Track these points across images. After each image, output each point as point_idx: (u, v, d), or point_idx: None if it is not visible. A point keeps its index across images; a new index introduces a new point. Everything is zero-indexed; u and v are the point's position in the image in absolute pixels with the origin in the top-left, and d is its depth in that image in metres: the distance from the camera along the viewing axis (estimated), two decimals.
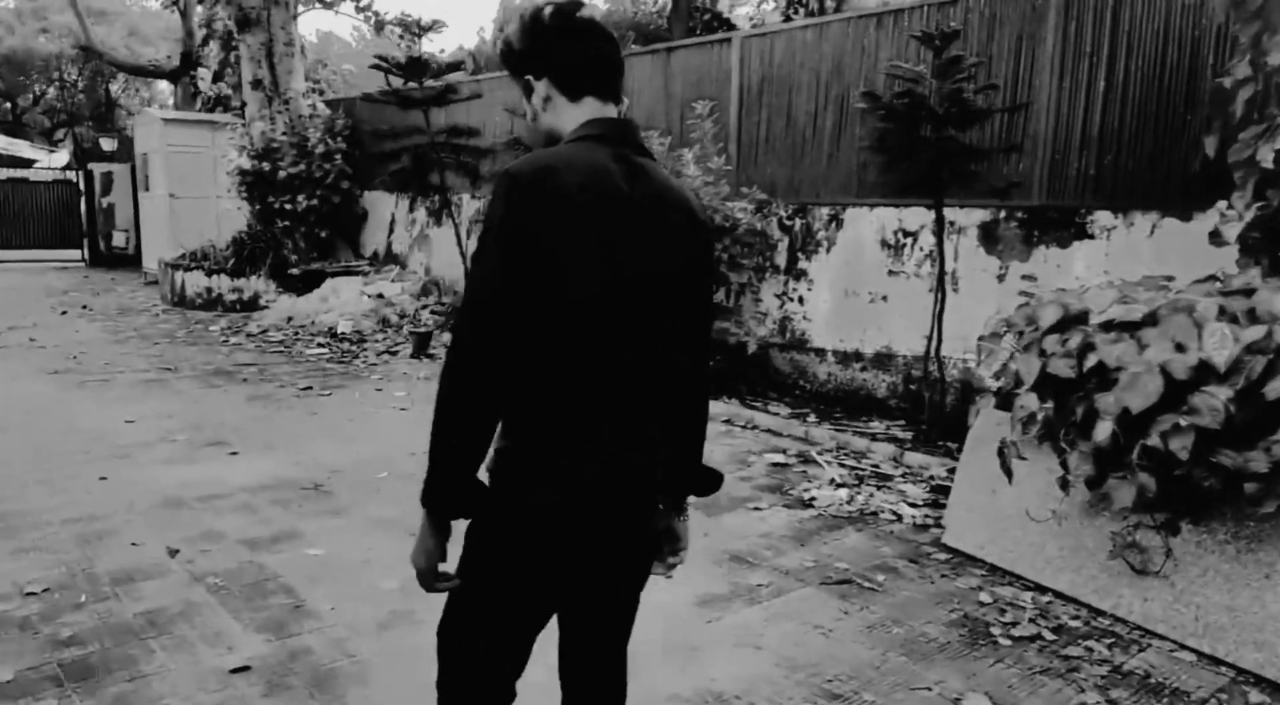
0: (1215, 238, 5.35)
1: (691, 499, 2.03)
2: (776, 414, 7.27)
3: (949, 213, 6.83)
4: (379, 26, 14.54)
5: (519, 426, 1.62)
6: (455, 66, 10.24)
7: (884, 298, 7.26)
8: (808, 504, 5.27)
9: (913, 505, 5.27)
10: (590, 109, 1.71)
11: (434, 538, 1.65)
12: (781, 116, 8.06)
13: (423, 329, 10.31)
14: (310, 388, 8.13)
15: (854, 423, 7.01)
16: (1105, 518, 4.06)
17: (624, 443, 1.67)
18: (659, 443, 1.76)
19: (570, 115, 1.71)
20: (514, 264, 1.51)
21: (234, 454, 6.04)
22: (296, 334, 11.08)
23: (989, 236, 6.56)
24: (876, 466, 6.04)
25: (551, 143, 1.73)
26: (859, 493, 5.46)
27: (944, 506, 5.24)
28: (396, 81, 10.77)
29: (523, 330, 1.54)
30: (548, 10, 1.70)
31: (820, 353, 7.73)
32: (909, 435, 6.59)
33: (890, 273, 7.21)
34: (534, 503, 1.62)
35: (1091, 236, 6.06)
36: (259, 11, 14.05)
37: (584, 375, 1.60)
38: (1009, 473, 4.22)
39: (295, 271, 13.37)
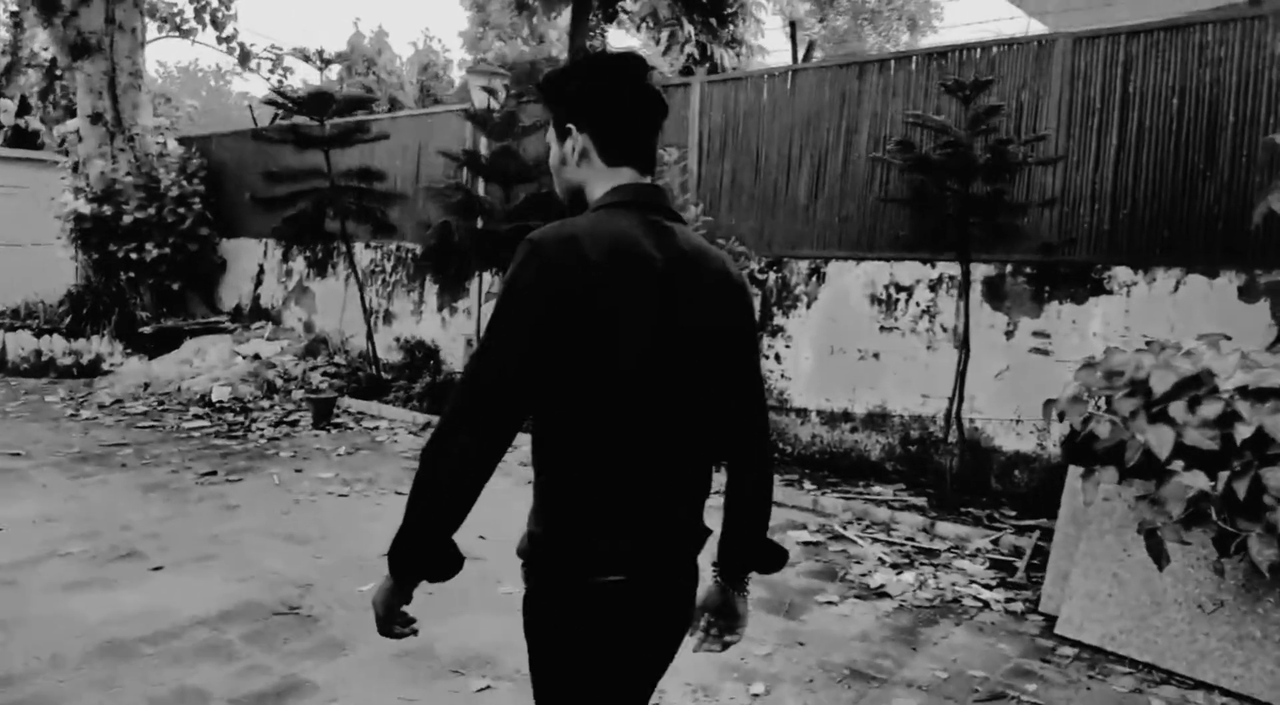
0: (1246, 294, 5.23)
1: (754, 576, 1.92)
2: None
3: (946, 267, 6.54)
4: (244, 58, 13.12)
5: (553, 509, 1.58)
6: (362, 102, 9.20)
7: (875, 355, 6.86)
8: (879, 593, 4.68)
9: (986, 587, 4.78)
10: (623, 177, 1.64)
11: (396, 597, 1.60)
12: (749, 166, 7.60)
13: (324, 395, 9.06)
14: (214, 473, 6.81)
15: (853, 488, 6.52)
16: (1270, 603, 3.68)
17: (665, 518, 1.63)
18: (698, 516, 1.73)
19: (602, 178, 1.65)
20: (538, 335, 1.45)
21: (157, 569, 4.79)
22: (161, 404, 9.51)
23: (994, 292, 6.29)
24: (911, 539, 5.55)
25: (574, 195, 1.70)
26: (918, 574, 4.93)
27: (1019, 586, 4.80)
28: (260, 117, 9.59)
29: (548, 407, 1.51)
30: (618, 65, 1.64)
31: (803, 413, 7.23)
32: (922, 501, 6.16)
33: (882, 329, 6.83)
34: (583, 587, 1.55)
35: (1110, 292, 5.88)
36: (100, 37, 12.39)
37: (620, 450, 1.54)
38: (1161, 558, 3.79)
39: (147, 330, 11.67)
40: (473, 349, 1.71)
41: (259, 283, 12.66)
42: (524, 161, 7.83)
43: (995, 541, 5.41)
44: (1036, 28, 16.51)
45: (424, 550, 1.52)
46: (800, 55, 7.06)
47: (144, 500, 6.05)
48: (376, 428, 8.70)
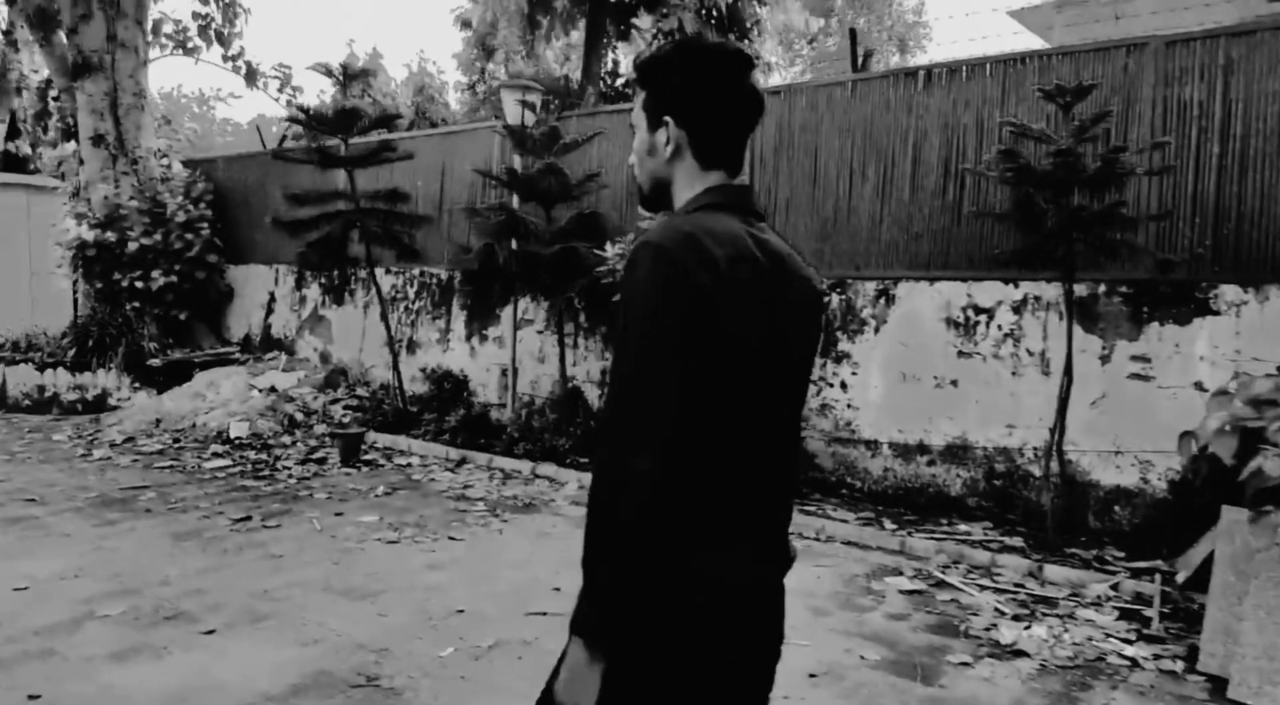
0: None
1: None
2: (844, 520, 6.24)
3: (1031, 287, 6.17)
4: (250, 77, 12.69)
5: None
6: (389, 120, 8.78)
7: (953, 382, 6.46)
8: (1014, 651, 4.24)
9: (1125, 641, 4.36)
10: (715, 179, 1.59)
11: (593, 666, 1.39)
12: (806, 181, 7.22)
13: (351, 431, 8.58)
14: (248, 518, 6.32)
15: (937, 527, 6.09)
16: None
17: (764, 535, 1.56)
18: (786, 531, 1.63)
19: (693, 178, 1.59)
20: (688, 336, 1.36)
21: (209, 633, 4.31)
22: (177, 441, 9.00)
23: (1087, 313, 5.91)
24: (1021, 586, 5.12)
25: (658, 188, 1.64)
26: (1049, 628, 4.49)
27: (1158, 640, 4.38)
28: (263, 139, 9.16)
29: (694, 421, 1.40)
30: (727, 59, 1.56)
31: (873, 445, 6.81)
32: (1018, 542, 5.74)
33: (960, 354, 6.43)
34: (683, 611, 1.43)
35: (1216, 313, 5.51)
36: (101, 56, 11.95)
37: (730, 466, 1.46)
38: None
39: (156, 362, 11.15)
40: (614, 369, 1.42)
41: (270, 311, 12.18)
42: (567, 179, 7.43)
43: (1114, 587, 4.99)
44: (1036, 42, 16.33)
45: (621, 603, 1.38)
46: (859, 63, 6.75)
47: (178, 550, 5.56)
48: (409, 464, 8.22)
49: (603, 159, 8.20)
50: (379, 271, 10.35)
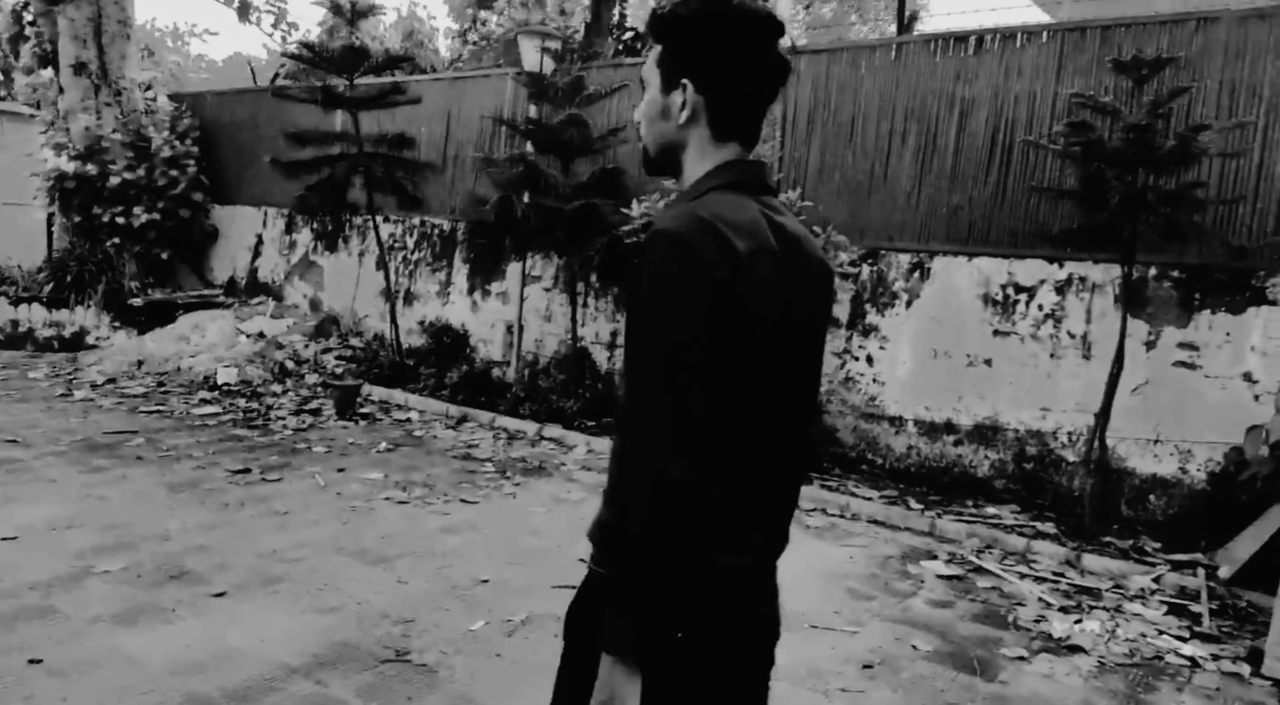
0: None
1: None
2: (867, 498, 6.05)
3: (1077, 268, 5.96)
4: (243, 10, 12.06)
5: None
6: (399, 61, 8.34)
7: (987, 361, 6.26)
8: (1069, 646, 4.06)
9: (1179, 639, 4.20)
10: (729, 152, 1.47)
11: (632, 680, 1.32)
12: (841, 147, 6.94)
13: (347, 383, 8.25)
14: (247, 470, 6.00)
15: (964, 508, 5.92)
16: None
17: (774, 522, 1.52)
18: (791, 516, 1.57)
19: (707, 150, 1.47)
20: (711, 332, 1.30)
21: (219, 595, 4.02)
22: (162, 385, 8.61)
23: (1135, 297, 5.71)
24: (1061, 575, 4.96)
25: (665, 152, 1.52)
26: (1102, 623, 4.33)
27: (1211, 638, 4.23)
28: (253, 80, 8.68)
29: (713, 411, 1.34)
30: (758, 23, 1.42)
31: (898, 422, 6.61)
32: (1050, 528, 5.58)
33: (996, 333, 6.23)
34: (706, 606, 1.38)
35: (1273, 303, 5.33)
36: None
37: (751, 462, 1.42)
38: None
39: (137, 302, 10.69)
40: (631, 366, 1.32)
41: (257, 254, 11.72)
42: (589, 132, 7.07)
43: (1156, 580, 4.85)
44: (1040, 16, 16.04)
45: (658, 615, 1.32)
46: (901, 26, 6.51)
47: (175, 502, 5.24)
48: (408, 420, 7.91)
49: (622, 113, 7.84)
50: (380, 219, 9.95)
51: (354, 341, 9.86)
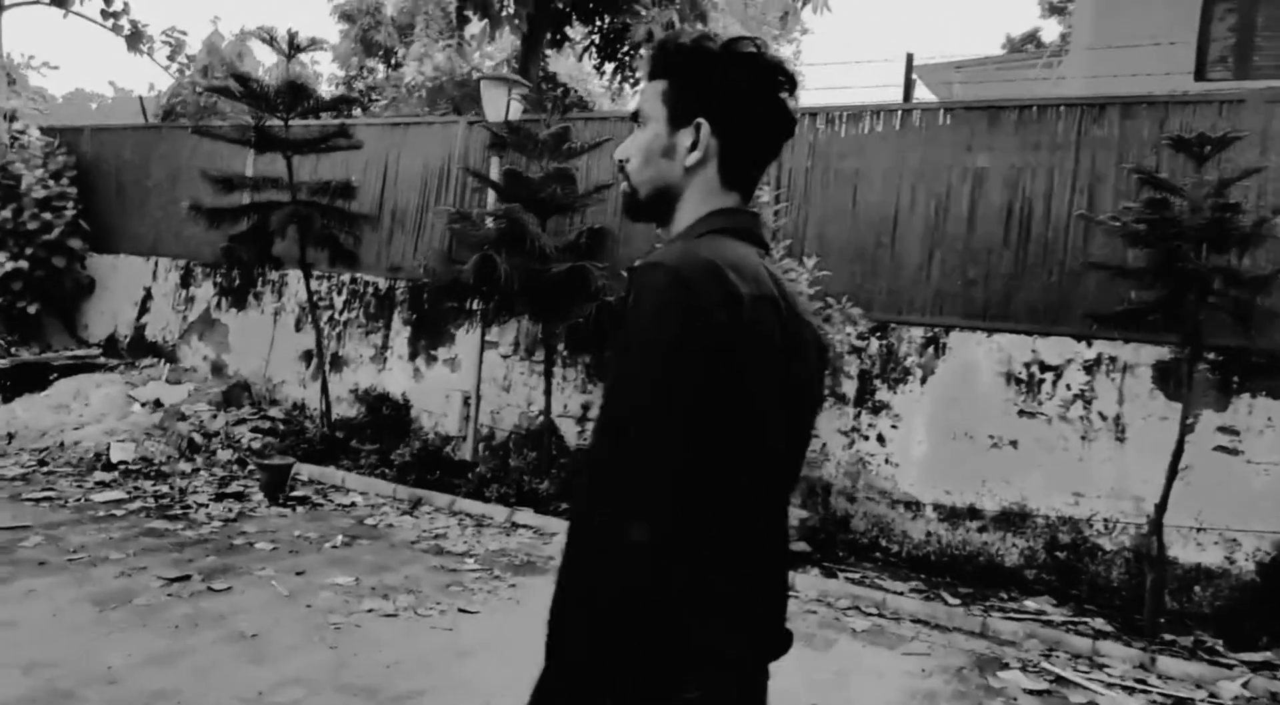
0: None
1: None
2: (899, 592, 5.57)
3: (1106, 347, 5.75)
4: (134, 39, 10.76)
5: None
6: (344, 102, 7.51)
7: (1012, 443, 5.94)
8: None
9: None
10: (730, 200, 1.37)
11: None
12: (843, 214, 6.60)
13: (276, 461, 7.18)
14: (185, 578, 4.94)
15: (1001, 601, 5.52)
16: None
17: (762, 608, 1.34)
18: (784, 605, 1.40)
19: (708, 196, 1.36)
20: (704, 388, 1.16)
21: None
22: (44, 464, 7.31)
23: (1168, 378, 5.53)
24: (1143, 681, 4.58)
25: (659, 197, 1.38)
26: None
27: None
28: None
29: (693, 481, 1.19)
30: (775, 67, 1.34)
31: (915, 507, 6.19)
32: (1100, 622, 5.23)
33: (1021, 413, 5.93)
34: (678, 693, 1.21)
35: None
36: None
37: (733, 532, 1.26)
38: None
39: (3, 363, 9.19)
40: (606, 409, 1.12)
41: (144, 309, 10.39)
42: (575, 188, 6.48)
43: (1245, 684, 4.53)
44: (931, 97, 16.67)
45: (598, 683, 1.16)
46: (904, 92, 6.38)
47: (108, 625, 4.19)
48: (352, 504, 6.93)
49: (591, 170, 7.27)
50: (297, 275, 8.95)
51: (273, 411, 8.74)
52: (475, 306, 6.58)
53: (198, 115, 11.64)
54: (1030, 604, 5.53)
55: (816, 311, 5.91)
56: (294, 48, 7.48)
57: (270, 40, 7.39)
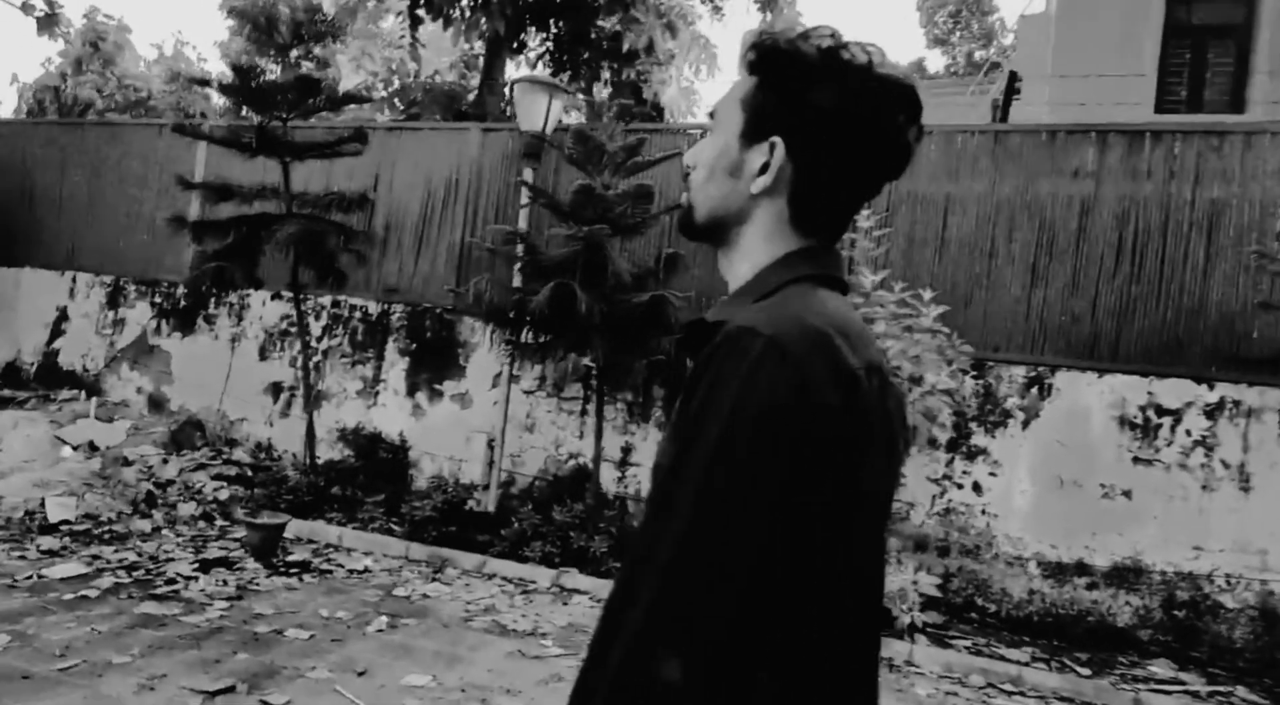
0: None
1: None
2: (1023, 661, 5.04)
3: (1229, 390, 5.42)
4: (48, 22, 9.20)
5: None
6: (356, 99, 6.48)
7: (1126, 493, 5.54)
8: None
9: None
10: (804, 241, 1.09)
11: None
12: (930, 241, 6.09)
13: (266, 521, 6.05)
14: (231, 690, 3.89)
15: (1121, 666, 5.07)
16: None
17: None
18: None
19: (772, 235, 1.09)
20: (796, 484, 0.91)
21: None
22: None
23: None
24: None
25: (715, 222, 1.12)
26: None
27: None
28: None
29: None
30: (895, 88, 1.05)
31: (1017, 562, 5.70)
32: (1245, 690, 4.84)
33: (1137, 461, 5.53)
34: None
35: None
36: None
37: (811, 665, 0.98)
38: None
39: None
40: (658, 501, 0.80)
41: (58, 332, 8.90)
42: (649, 207, 5.71)
43: None
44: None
45: None
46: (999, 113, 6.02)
47: None
48: (366, 570, 5.90)
49: (665, 186, 6.50)
50: (261, 297, 7.80)
51: (235, 454, 7.52)
52: (528, 338, 5.68)
53: (132, 108, 10.14)
54: (1155, 669, 5.11)
55: (917, 357, 5.33)
56: (280, 47, 6.41)
57: (269, 32, 6.30)
